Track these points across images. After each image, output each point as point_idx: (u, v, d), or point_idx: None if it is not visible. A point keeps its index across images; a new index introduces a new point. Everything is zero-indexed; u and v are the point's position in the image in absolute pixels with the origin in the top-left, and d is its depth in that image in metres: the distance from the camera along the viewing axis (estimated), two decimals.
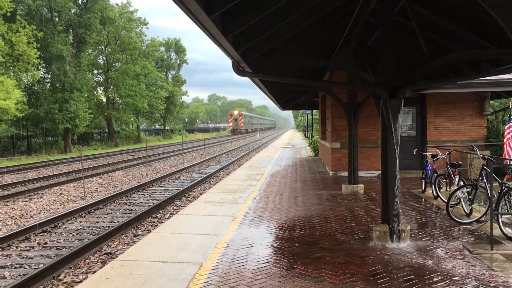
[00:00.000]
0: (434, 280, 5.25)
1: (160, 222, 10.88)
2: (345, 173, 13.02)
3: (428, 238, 7.14)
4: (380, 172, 7.70)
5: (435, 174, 10.50)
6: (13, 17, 34.00)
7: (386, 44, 7.00)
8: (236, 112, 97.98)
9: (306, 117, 58.08)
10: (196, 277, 5.47)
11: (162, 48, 75.02)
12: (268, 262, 6.02)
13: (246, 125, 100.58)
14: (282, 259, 6.14)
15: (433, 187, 10.46)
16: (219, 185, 13.92)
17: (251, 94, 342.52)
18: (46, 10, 39.85)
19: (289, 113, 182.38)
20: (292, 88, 16.79)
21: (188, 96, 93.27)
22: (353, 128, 11.38)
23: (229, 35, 5.73)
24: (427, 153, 11.45)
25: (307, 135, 51.19)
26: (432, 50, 7.16)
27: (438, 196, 10.26)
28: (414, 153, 12.40)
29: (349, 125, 11.44)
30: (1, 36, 32.02)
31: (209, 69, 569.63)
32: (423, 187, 11.45)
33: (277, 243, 6.98)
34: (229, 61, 7.45)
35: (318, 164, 20.14)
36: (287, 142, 44.18)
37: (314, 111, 38.62)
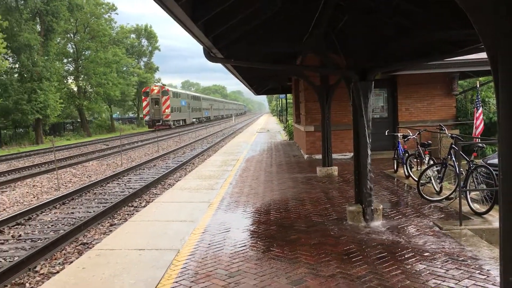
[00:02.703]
0: (406, 256, 5.43)
1: (136, 211, 10.84)
2: (320, 156, 13.19)
3: (400, 216, 7.34)
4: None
5: (406, 154, 10.74)
6: None
7: (356, 27, 7.09)
8: (156, 89, 55.26)
9: (280, 102, 58.21)
10: (174, 263, 5.51)
11: (133, 35, 73.63)
12: (244, 245, 6.10)
13: (179, 112, 61.01)
14: (258, 242, 6.23)
15: (405, 167, 10.71)
16: (195, 172, 13.92)
17: (225, 79, 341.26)
18: None
19: (263, 98, 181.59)
20: (265, 73, 16.80)
21: (161, 83, 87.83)
22: (326, 111, 11.50)
23: (200, 21, 5.70)
24: (398, 134, 11.68)
25: (282, 120, 51.40)
26: (400, 33, 7.28)
27: (409, 175, 10.51)
28: (386, 134, 12.63)
29: (322, 108, 11.55)
30: None
31: (183, 55, 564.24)
32: (395, 167, 11.70)
33: (254, 227, 7.07)
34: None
35: (293, 148, 20.31)
36: (262, 127, 44.28)
37: (288, 95, 38.76)
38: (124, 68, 59.94)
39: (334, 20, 8.98)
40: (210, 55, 7.54)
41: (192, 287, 4.73)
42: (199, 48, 7.41)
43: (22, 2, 39.67)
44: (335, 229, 6.76)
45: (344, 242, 6.10)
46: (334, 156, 13.27)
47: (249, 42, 8.97)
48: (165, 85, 62.83)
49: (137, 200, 12.37)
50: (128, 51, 67.34)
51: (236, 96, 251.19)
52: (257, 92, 29.74)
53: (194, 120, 71.94)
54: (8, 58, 39.53)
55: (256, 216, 7.78)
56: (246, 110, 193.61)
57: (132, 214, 10.55)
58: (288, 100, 43.07)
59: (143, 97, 55.42)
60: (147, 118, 55.96)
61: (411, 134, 11.05)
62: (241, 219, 7.64)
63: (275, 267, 5.23)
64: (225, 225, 7.22)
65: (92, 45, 51.36)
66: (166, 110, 54.65)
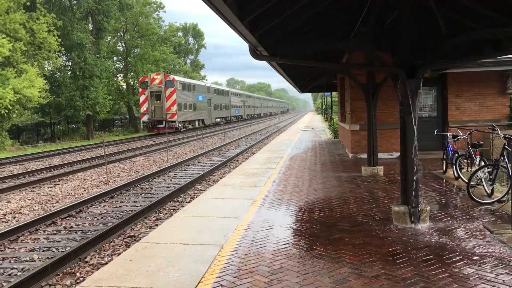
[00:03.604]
0: (454, 260, 5.27)
1: (182, 206, 11.07)
2: (365, 155, 12.99)
3: (448, 218, 7.12)
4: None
5: (456, 155, 10.40)
6: (33, 6, 34.42)
7: (404, 24, 6.92)
8: (157, 79, 41.62)
9: (325, 100, 57.71)
10: (217, 258, 5.59)
11: (180, 33, 75.04)
12: (287, 243, 6.11)
13: (193, 110, 47.46)
14: (301, 241, 6.22)
15: (454, 168, 10.37)
16: (239, 169, 14.04)
17: (270, 77, 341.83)
18: None
19: (308, 96, 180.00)
20: (310, 71, 16.70)
21: (207, 80, 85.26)
22: (372, 109, 11.31)
23: (246, 19, 5.75)
24: (448, 134, 11.32)
25: (327, 118, 50.96)
26: (451, 29, 7.06)
27: (459, 176, 10.18)
28: (435, 133, 12.28)
29: (368, 106, 11.37)
30: (22, 25, 32.53)
31: (228, 53, 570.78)
32: (444, 168, 11.36)
33: (297, 225, 7.06)
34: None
35: (338, 147, 20.10)
36: (307, 125, 44.07)
37: (333, 93, 38.35)
38: (171, 66, 61.17)
39: (382, 17, 8.83)
40: (255, 53, 7.58)
41: (235, 283, 4.78)
42: (244, 46, 7.47)
43: (75, 2, 41.25)
44: (380, 229, 6.64)
45: (389, 243, 5.99)
46: (380, 155, 13.03)
47: (294, 40, 8.95)
48: (170, 73, 48.02)
49: (182, 196, 12.62)
50: (175, 49, 68.64)
51: (281, 94, 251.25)
52: (302, 90, 29.62)
53: (218, 120, 59.03)
54: (62, 56, 41.25)
55: (299, 214, 7.77)
56: (288, 108, 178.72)
57: (177, 209, 10.77)
58: (333, 98, 42.63)
59: (140, 90, 41.91)
60: (145, 118, 40.99)
61: (461, 134, 10.69)
62: (284, 216, 7.65)
63: (318, 265, 5.21)
64: (268, 222, 7.25)
65: (140, 43, 52.75)
66: (171, 108, 40.84)
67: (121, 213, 10.65)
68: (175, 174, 16.66)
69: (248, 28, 6.04)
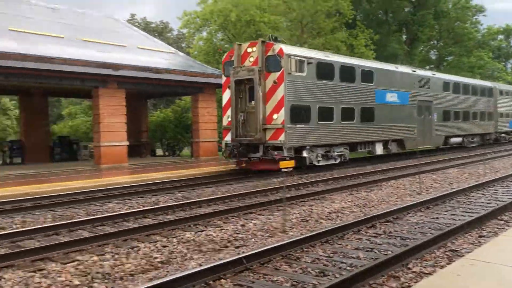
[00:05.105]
0: None
1: (508, 226, 10.05)
2: None
3: None
4: None
5: None
6: (353, 23, 37.51)
7: None
8: (252, 55, 18.48)
9: None
10: None
11: (501, 36, 68.19)
12: None
13: (365, 124, 23.07)
14: None
15: None
16: None
17: None
18: (382, 12, 42.29)
19: None
20: None
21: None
22: None
23: None
24: None
25: None
26: None
27: None
28: None
29: None
30: (344, 42, 35.91)
31: None
32: None
33: None
34: None
35: None
36: None
37: None
38: (489, 73, 56.21)
39: None
40: None
41: None
42: None
43: (391, 15, 42.79)
44: None
45: None
46: None
47: None
48: (279, 39, 20.18)
49: (507, 215, 11.44)
50: (494, 53, 62.74)
51: None
52: None
53: (456, 139, 32.70)
54: None
55: None
56: None
57: (503, 228, 9.83)
58: None
59: (223, 79, 20.72)
60: (227, 137, 20.12)
61: None
62: None
63: None
64: None
65: (455, 50, 50.50)
66: (275, 115, 18.29)
67: (439, 225, 10.42)
68: (495, 190, 15.25)
69: None
